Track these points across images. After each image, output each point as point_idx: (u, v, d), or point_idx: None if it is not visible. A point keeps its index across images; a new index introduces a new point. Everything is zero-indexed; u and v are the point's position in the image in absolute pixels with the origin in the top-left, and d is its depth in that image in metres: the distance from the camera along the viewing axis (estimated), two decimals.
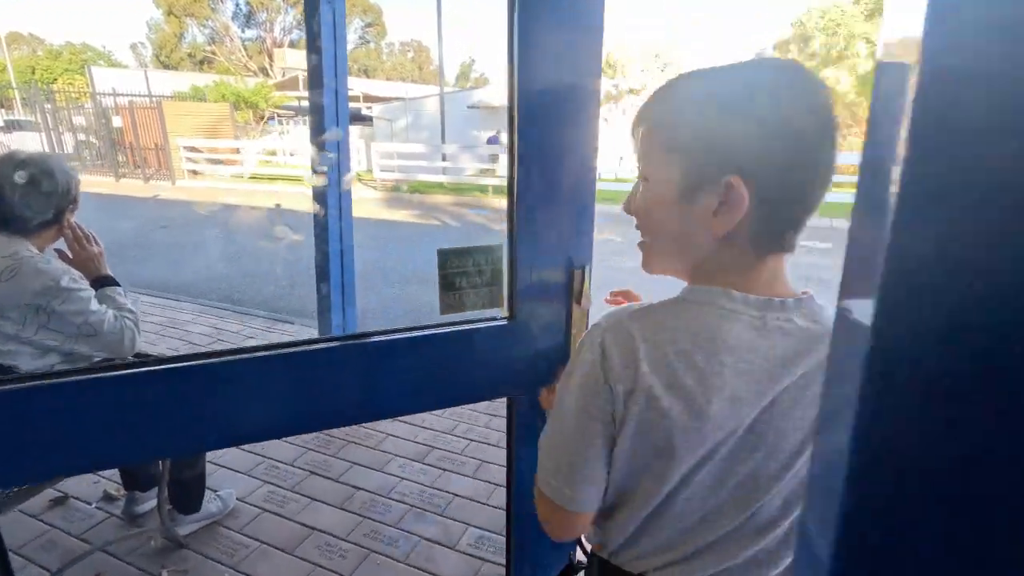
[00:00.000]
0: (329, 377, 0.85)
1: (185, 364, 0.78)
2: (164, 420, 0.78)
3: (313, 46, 2.56)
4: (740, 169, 0.55)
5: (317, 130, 2.66)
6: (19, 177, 1.32)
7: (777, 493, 0.62)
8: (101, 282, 1.50)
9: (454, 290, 0.91)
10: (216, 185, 13.14)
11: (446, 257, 0.90)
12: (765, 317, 0.58)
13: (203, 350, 3.32)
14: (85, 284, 1.42)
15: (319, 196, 2.77)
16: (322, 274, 2.88)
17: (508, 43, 0.79)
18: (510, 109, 0.81)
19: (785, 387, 0.58)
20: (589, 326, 0.69)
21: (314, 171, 2.69)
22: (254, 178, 13.64)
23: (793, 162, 0.55)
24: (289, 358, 0.83)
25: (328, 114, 2.65)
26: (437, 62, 51.23)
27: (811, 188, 0.57)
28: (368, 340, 0.86)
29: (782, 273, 0.61)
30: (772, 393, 0.58)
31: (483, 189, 11.79)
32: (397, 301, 4.78)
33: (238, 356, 0.79)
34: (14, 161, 1.36)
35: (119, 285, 1.53)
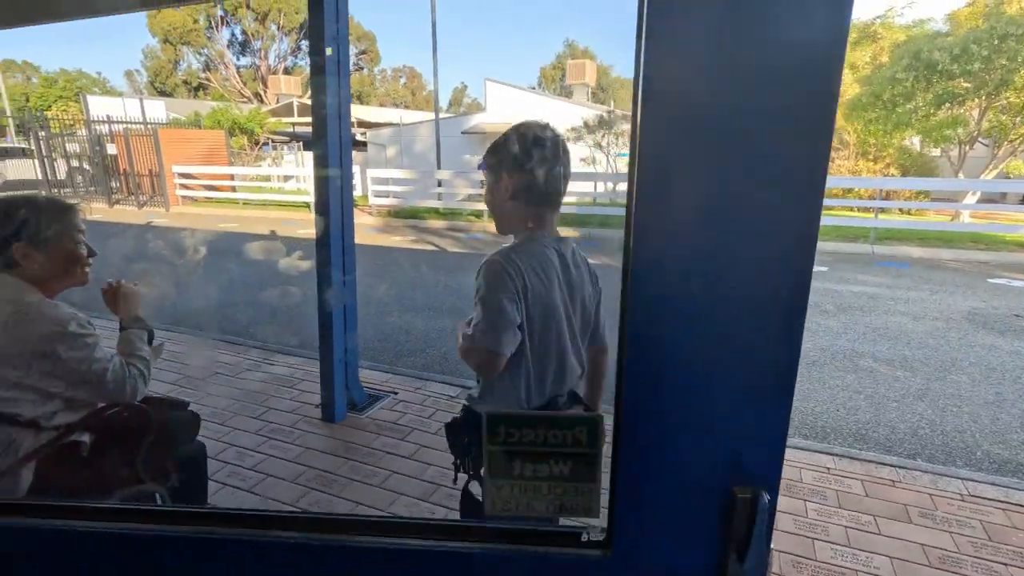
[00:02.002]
0: None
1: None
2: None
3: (318, 80, 2.57)
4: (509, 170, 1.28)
5: (321, 156, 2.66)
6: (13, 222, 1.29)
7: (568, 338, 1.33)
8: (131, 323, 1.47)
9: (506, 479, 0.54)
10: (211, 211, 13.11)
11: (498, 425, 0.53)
12: (559, 246, 1.32)
13: (199, 383, 3.24)
14: (92, 330, 1.37)
15: (321, 223, 2.75)
16: (324, 302, 2.84)
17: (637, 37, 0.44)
18: (633, 144, 0.44)
19: (578, 286, 1.33)
20: None
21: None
22: (247, 204, 13.63)
23: (538, 169, 1.25)
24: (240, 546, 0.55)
25: (332, 139, 2.66)
26: (430, 88, 51.93)
27: (555, 183, 1.28)
28: (351, 540, 0.55)
29: (551, 221, 1.33)
30: (570, 287, 1.32)
31: (478, 214, 11.83)
32: (399, 331, 4.73)
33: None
34: (9, 206, 1.33)
35: (147, 330, 1.50)
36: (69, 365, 1.32)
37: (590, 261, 1.40)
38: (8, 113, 23.54)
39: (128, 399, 1.45)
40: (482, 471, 0.58)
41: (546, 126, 1.29)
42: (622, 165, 16.55)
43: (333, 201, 2.72)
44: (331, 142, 2.64)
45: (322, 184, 2.70)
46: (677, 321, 0.44)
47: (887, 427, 3.16)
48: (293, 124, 22.85)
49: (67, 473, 1.40)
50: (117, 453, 1.48)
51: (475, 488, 1.35)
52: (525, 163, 1.25)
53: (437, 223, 11.61)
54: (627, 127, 15.64)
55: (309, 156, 19.41)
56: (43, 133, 15.49)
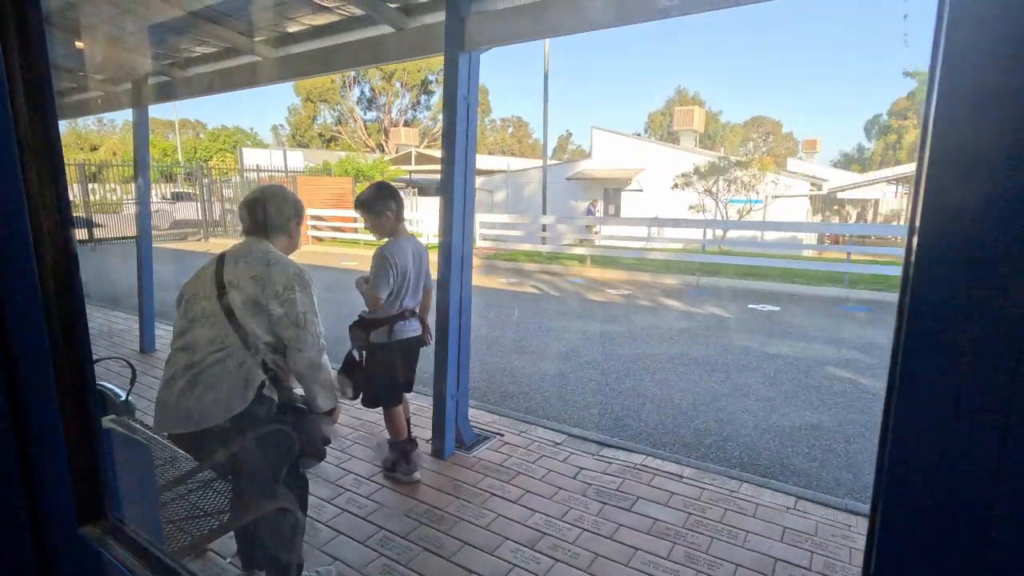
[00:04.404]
0: None
1: None
2: None
3: (449, 133, 2.78)
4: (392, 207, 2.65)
5: (448, 202, 2.86)
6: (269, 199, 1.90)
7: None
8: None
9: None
10: (335, 250, 14.35)
11: None
12: (411, 241, 2.68)
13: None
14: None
15: (444, 254, 2.92)
16: (440, 337, 2.97)
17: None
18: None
19: (421, 261, 2.69)
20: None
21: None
22: (367, 244, 14.74)
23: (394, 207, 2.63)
24: None
25: (457, 190, 2.84)
26: (535, 136, 53.81)
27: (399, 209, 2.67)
28: None
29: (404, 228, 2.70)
30: (417, 261, 2.66)
31: (582, 259, 11.87)
32: (503, 372, 4.81)
33: None
34: (264, 190, 1.94)
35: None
36: (294, 305, 1.69)
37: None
38: (181, 163, 27.70)
39: (312, 369, 1.72)
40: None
41: (389, 184, 2.70)
42: (733, 212, 15.90)
43: (455, 247, 2.88)
44: (456, 192, 2.83)
45: (446, 230, 2.88)
46: None
47: None
48: (410, 172, 24.63)
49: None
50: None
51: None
52: (392, 204, 2.60)
53: (540, 266, 11.80)
54: (739, 173, 15.11)
55: (422, 201, 20.74)
56: (205, 180, 18.02)
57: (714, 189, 14.79)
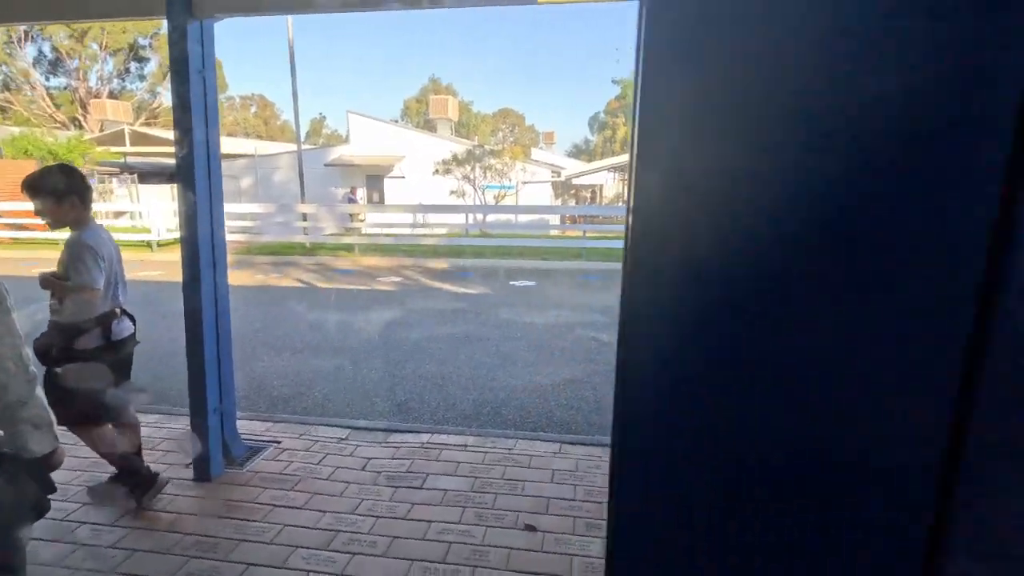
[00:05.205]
0: None
1: None
2: None
3: (183, 112, 2.43)
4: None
5: (189, 190, 2.49)
6: None
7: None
8: None
9: None
10: (16, 254, 11.17)
11: None
12: (104, 230, 2.35)
13: None
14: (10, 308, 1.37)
15: (189, 249, 2.53)
16: (193, 344, 2.60)
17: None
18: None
19: (119, 252, 2.38)
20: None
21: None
22: None
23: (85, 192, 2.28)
24: None
25: (200, 175, 2.50)
26: (284, 118, 49.56)
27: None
28: None
29: (92, 217, 2.34)
30: (117, 252, 2.37)
31: (349, 248, 11.46)
32: (272, 375, 4.43)
33: None
34: None
35: None
36: None
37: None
38: None
39: (19, 405, 1.33)
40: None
41: (70, 164, 2.46)
42: (490, 197, 17.13)
43: (203, 240, 2.54)
44: (199, 178, 2.48)
45: (189, 222, 2.51)
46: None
47: None
48: (124, 154, 20.41)
49: None
50: None
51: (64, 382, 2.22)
52: (76, 187, 2.22)
53: (305, 258, 11.04)
54: (493, 161, 16.32)
55: (145, 189, 17.40)
56: None
57: (472, 176, 15.72)
